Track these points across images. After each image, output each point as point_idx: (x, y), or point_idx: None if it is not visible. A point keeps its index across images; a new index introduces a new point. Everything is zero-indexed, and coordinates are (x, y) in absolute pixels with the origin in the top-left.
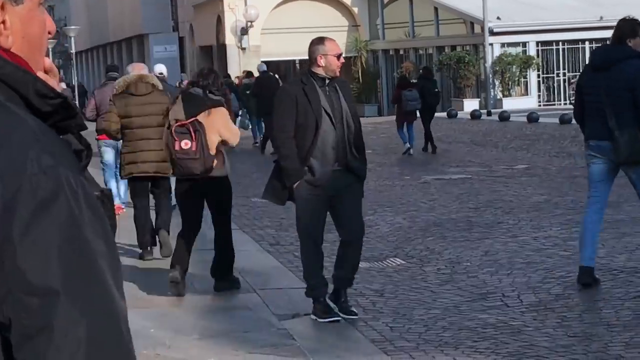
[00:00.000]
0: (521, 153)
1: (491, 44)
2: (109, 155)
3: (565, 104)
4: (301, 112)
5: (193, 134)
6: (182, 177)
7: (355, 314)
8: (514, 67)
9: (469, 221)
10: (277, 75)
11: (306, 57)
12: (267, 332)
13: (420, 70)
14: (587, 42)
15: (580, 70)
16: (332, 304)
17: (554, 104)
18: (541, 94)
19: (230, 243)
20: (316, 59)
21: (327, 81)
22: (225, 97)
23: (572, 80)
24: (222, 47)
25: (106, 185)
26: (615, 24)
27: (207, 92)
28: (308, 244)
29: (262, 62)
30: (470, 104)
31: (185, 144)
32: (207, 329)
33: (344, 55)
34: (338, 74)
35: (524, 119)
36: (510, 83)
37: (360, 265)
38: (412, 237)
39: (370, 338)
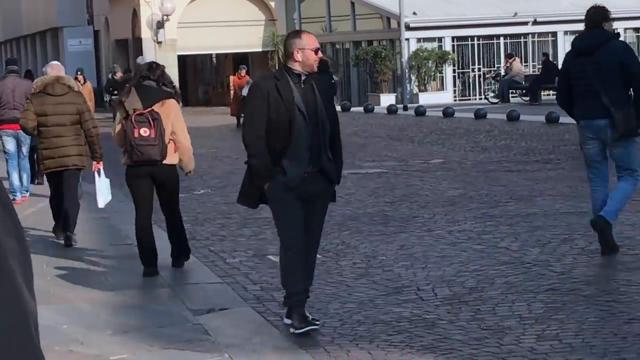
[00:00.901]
0: (437, 147)
1: (407, 39)
2: (10, 145)
3: (480, 98)
4: (273, 109)
5: (152, 122)
6: (139, 163)
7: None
8: (430, 62)
9: (385, 215)
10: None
11: (223, 50)
12: (181, 327)
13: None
14: (501, 38)
15: (496, 66)
16: (306, 313)
17: (469, 99)
18: (457, 88)
19: (182, 222)
20: (292, 54)
21: (302, 77)
22: (175, 89)
23: (487, 75)
24: (138, 41)
25: (8, 175)
26: (528, 19)
27: (161, 84)
28: (286, 247)
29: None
30: (387, 99)
31: (144, 131)
32: (120, 324)
33: (260, 49)
34: (316, 69)
35: (440, 114)
36: (426, 78)
37: (275, 259)
38: (329, 231)
39: (285, 332)
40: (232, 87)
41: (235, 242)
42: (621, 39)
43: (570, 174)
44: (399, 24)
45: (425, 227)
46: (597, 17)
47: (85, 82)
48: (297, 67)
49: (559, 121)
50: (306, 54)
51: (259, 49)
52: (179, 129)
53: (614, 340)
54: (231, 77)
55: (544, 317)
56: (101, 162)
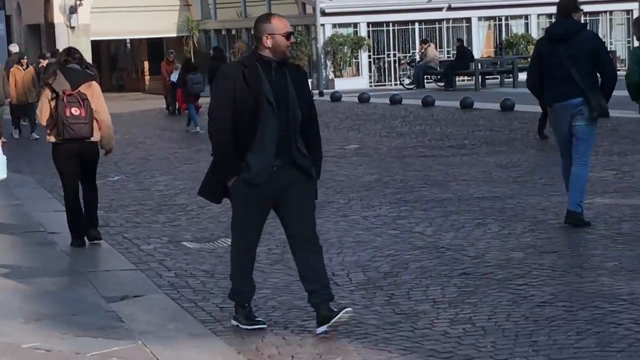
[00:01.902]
0: (352, 133)
1: (323, 25)
2: None
3: (395, 84)
4: (238, 98)
5: (81, 102)
6: (69, 141)
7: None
8: (346, 47)
9: None
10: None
11: (137, 36)
12: (95, 314)
13: (211, 51)
14: (416, 24)
15: (411, 52)
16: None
17: (385, 85)
18: (372, 74)
19: (97, 193)
20: (262, 40)
21: (273, 65)
22: (95, 72)
23: (402, 61)
24: (51, 26)
25: None
26: (443, 5)
27: (84, 66)
28: (239, 247)
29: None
30: None
31: (75, 110)
32: (33, 312)
33: (175, 35)
34: (288, 55)
35: (355, 100)
36: (341, 64)
37: (190, 245)
38: None
39: (199, 319)
40: (163, 73)
41: (149, 229)
42: (534, 24)
43: (483, 159)
44: (314, 9)
45: (340, 212)
46: (570, 6)
47: (27, 66)
48: (267, 53)
49: (473, 107)
50: (277, 39)
51: (174, 35)
52: (102, 108)
53: (525, 324)
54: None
55: (457, 301)
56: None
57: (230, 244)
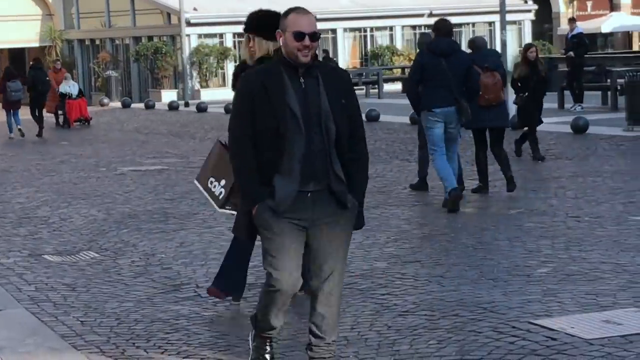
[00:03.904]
0: None
1: (188, 35)
2: None
3: None
4: (260, 111)
5: None
6: None
7: None
8: (212, 58)
9: (165, 213)
10: None
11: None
12: None
13: (31, 62)
14: None
15: None
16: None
17: None
18: None
19: None
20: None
21: (300, 70)
22: None
23: None
24: None
25: None
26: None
27: None
28: (270, 291)
29: None
30: (168, 95)
31: None
32: None
33: (38, 45)
34: (304, 60)
35: (222, 110)
36: (207, 74)
37: (51, 259)
38: (107, 229)
39: (60, 333)
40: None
41: (9, 242)
42: (399, 35)
43: None
44: (179, 19)
45: (205, 224)
46: (449, 28)
47: None
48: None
49: None
50: (286, 38)
51: (37, 44)
52: None
53: (388, 333)
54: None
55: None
56: None
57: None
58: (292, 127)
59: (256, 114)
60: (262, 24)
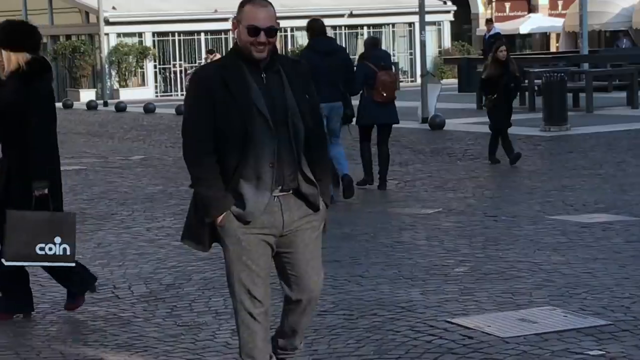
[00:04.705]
0: (137, 144)
1: (107, 34)
2: None
3: (182, 94)
4: (221, 111)
5: None
6: None
7: None
8: (131, 57)
9: (83, 213)
10: None
11: None
12: None
13: None
14: (202, 34)
15: (198, 61)
16: None
17: (171, 95)
18: (158, 84)
19: None
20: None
21: (262, 64)
22: None
23: (189, 72)
24: None
25: None
26: (228, 16)
27: None
28: (242, 311)
29: None
30: (87, 95)
31: None
32: None
33: None
34: (259, 57)
35: (141, 110)
36: (127, 73)
37: None
38: None
39: None
40: None
41: None
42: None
43: None
44: (98, 18)
45: (123, 224)
46: (323, 27)
47: None
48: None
49: None
50: (240, 31)
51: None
52: None
53: (306, 333)
54: None
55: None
56: None
57: None
58: (259, 127)
59: (217, 114)
60: (8, 37)
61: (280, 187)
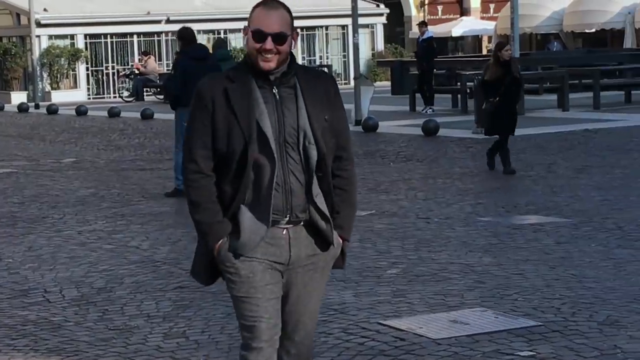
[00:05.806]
0: (69, 146)
1: (38, 36)
2: None
3: (114, 96)
4: (221, 129)
5: None
6: None
7: None
8: (63, 59)
9: (13, 216)
10: None
11: None
12: None
13: None
14: (135, 36)
15: (131, 64)
16: None
17: (104, 97)
18: (91, 87)
19: None
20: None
21: (272, 77)
22: None
23: (122, 73)
24: None
25: None
26: (161, 18)
27: None
28: (249, 352)
29: None
30: (18, 97)
31: None
32: None
33: None
34: (265, 67)
35: (73, 112)
36: (58, 76)
37: None
38: None
39: None
40: None
41: None
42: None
43: None
44: (29, 20)
45: (54, 227)
46: (193, 35)
47: None
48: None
49: None
50: (248, 37)
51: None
52: None
53: (239, 336)
54: None
55: (171, 315)
56: None
57: None
58: (262, 148)
59: (216, 131)
60: None
61: (287, 218)
